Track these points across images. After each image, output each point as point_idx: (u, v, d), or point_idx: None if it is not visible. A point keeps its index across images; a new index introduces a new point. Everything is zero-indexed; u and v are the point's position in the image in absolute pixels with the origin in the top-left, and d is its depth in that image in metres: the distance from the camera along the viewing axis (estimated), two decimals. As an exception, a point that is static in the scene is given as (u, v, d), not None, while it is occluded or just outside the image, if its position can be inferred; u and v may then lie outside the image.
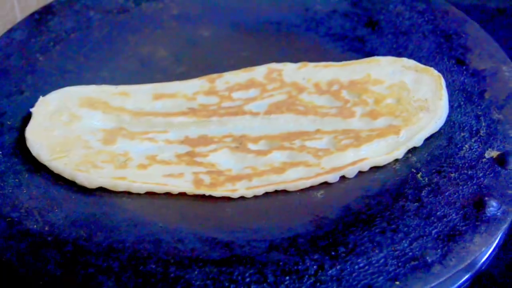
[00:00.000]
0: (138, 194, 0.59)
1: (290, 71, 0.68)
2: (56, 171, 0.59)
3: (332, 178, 0.59)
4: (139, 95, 0.66)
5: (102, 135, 0.62)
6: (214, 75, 0.68)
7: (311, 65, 0.68)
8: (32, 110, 0.63)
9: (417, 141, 0.61)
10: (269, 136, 0.63)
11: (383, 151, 0.60)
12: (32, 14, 0.75)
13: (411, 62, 0.67)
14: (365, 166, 0.60)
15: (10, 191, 0.58)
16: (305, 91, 0.66)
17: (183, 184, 0.59)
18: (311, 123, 0.63)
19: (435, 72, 0.66)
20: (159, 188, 0.58)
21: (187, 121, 0.64)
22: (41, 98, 0.65)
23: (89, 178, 0.58)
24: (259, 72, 0.68)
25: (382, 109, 0.63)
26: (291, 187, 0.59)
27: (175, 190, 0.58)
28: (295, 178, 0.59)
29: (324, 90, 0.66)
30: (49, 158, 0.60)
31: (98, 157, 0.60)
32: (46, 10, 0.76)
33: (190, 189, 0.58)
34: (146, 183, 0.58)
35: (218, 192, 0.58)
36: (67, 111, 0.64)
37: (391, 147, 0.61)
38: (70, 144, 0.61)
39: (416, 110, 0.63)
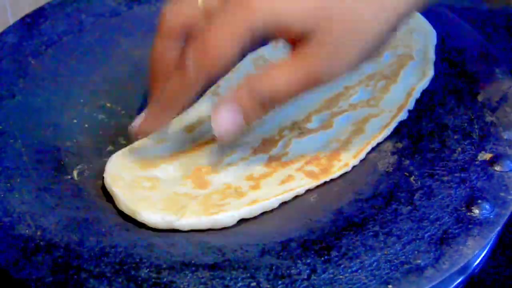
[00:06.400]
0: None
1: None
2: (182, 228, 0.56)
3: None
4: (175, 137, 0.63)
5: (191, 182, 0.59)
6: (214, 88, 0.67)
7: None
8: (111, 189, 0.58)
9: None
10: None
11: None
12: (23, 18, 0.75)
13: None
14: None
15: (2, 195, 0.58)
16: None
17: (303, 182, 0.59)
18: None
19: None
20: (289, 195, 0.58)
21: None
22: (107, 176, 0.58)
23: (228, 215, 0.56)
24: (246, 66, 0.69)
25: None
26: None
27: (302, 190, 0.58)
28: None
29: None
30: (172, 218, 0.56)
31: (211, 201, 0.57)
32: (38, 14, 0.75)
33: (312, 182, 0.59)
34: (277, 195, 0.57)
35: (336, 172, 0.59)
36: (142, 178, 0.59)
37: None
38: (175, 203, 0.57)
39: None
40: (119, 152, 0.61)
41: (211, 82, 0.64)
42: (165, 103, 0.56)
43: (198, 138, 0.63)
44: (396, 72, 0.67)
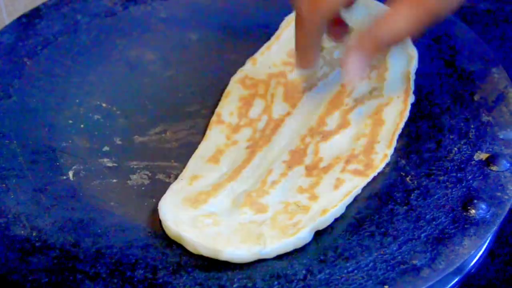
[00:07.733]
0: (126, 199, 0.58)
1: None
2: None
3: None
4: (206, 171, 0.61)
5: (248, 209, 0.57)
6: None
7: None
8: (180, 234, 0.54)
9: None
10: None
11: None
12: (19, 18, 0.75)
13: None
14: None
15: (-3, 196, 0.58)
16: None
17: (356, 182, 0.58)
18: None
19: None
20: (350, 198, 0.57)
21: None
22: (170, 223, 0.55)
23: None
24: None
25: None
26: None
27: (359, 190, 0.58)
28: None
29: None
30: (257, 248, 0.53)
31: (282, 223, 0.55)
32: (33, 14, 0.75)
33: (364, 180, 0.58)
34: (341, 201, 0.56)
35: (380, 166, 0.60)
36: (200, 216, 0.56)
37: None
38: (249, 233, 0.55)
39: None
40: (166, 198, 0.57)
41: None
42: (298, 50, 0.62)
43: (225, 169, 0.61)
44: (382, 60, 0.66)
